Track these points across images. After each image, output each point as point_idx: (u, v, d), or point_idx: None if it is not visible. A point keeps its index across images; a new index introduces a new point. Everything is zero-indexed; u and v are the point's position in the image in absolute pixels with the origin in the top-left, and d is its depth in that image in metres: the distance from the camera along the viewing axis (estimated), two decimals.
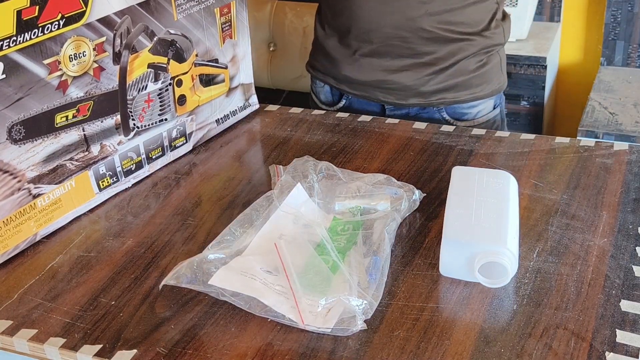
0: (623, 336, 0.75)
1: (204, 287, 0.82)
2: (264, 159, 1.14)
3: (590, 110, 2.15)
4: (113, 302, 0.85)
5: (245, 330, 0.79)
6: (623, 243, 0.88)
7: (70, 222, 1.00)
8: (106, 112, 1.01)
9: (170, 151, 1.13)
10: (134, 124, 1.05)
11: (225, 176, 1.10)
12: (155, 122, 1.09)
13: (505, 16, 1.33)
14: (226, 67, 1.20)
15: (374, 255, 0.85)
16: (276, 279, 0.82)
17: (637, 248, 0.87)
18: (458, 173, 0.95)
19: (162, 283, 0.84)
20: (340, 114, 1.26)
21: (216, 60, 1.17)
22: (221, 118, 1.21)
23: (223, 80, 1.20)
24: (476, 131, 1.17)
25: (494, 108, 1.34)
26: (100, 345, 0.78)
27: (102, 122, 1.00)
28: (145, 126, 1.07)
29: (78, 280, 0.89)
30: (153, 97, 1.07)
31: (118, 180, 1.05)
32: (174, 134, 1.13)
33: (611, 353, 0.73)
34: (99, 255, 0.93)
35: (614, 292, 0.81)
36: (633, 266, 0.84)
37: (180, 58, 1.09)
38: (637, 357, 0.73)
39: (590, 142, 1.11)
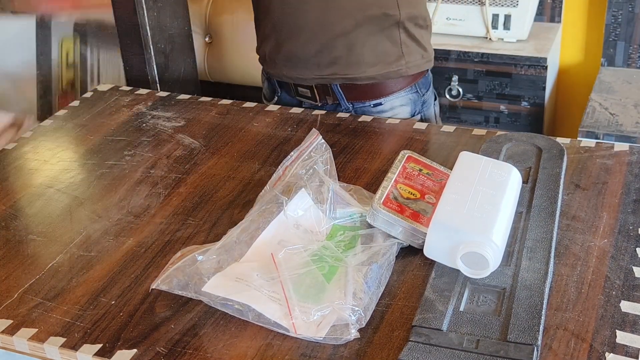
0: (623, 337, 0.75)
1: (196, 294, 0.82)
2: (264, 159, 1.14)
3: (591, 111, 2.15)
4: (113, 302, 0.85)
5: (245, 330, 0.79)
6: (623, 244, 0.88)
7: (71, 222, 1.00)
8: None
9: None
10: None
11: (225, 176, 1.10)
12: None
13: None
14: None
15: (374, 263, 0.85)
16: (272, 286, 0.82)
17: (637, 249, 0.87)
18: (464, 158, 0.95)
19: (152, 286, 0.84)
20: (340, 114, 1.26)
21: None
22: None
23: None
24: (476, 131, 1.17)
25: (413, 115, 1.32)
26: (100, 345, 0.78)
27: None
28: None
29: (78, 279, 0.89)
30: None
31: None
32: None
33: (611, 354, 0.73)
34: (99, 255, 0.93)
35: (614, 293, 0.81)
36: (633, 267, 0.84)
37: None
38: (637, 358, 0.73)
39: (590, 142, 1.11)
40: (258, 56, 1.40)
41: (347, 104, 1.31)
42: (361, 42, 1.26)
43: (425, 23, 1.33)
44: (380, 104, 1.31)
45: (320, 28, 1.26)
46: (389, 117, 1.28)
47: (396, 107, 1.31)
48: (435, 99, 1.39)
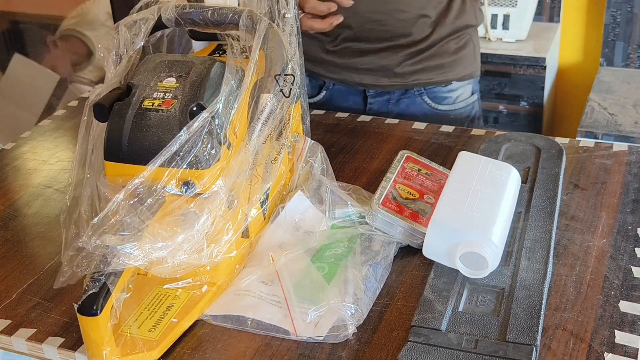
0: (622, 337, 0.75)
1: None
2: None
3: (590, 110, 2.15)
4: None
5: (244, 330, 0.79)
6: (622, 244, 0.88)
7: None
8: None
9: None
10: None
11: None
12: None
13: None
14: None
15: (373, 263, 0.85)
16: (271, 290, 0.82)
17: (636, 249, 0.87)
18: (463, 158, 0.95)
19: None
20: (339, 114, 1.26)
21: None
22: None
23: None
24: (475, 131, 1.17)
25: (472, 94, 1.40)
26: None
27: None
28: None
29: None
30: None
31: None
32: None
33: (610, 354, 0.73)
34: None
35: (612, 292, 0.81)
36: (632, 267, 0.84)
37: None
38: (636, 358, 0.73)
39: (589, 142, 1.11)
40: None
41: (420, 89, 1.36)
42: (444, 50, 1.33)
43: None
44: (451, 82, 1.36)
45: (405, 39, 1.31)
46: (457, 96, 1.36)
47: (462, 85, 1.38)
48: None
